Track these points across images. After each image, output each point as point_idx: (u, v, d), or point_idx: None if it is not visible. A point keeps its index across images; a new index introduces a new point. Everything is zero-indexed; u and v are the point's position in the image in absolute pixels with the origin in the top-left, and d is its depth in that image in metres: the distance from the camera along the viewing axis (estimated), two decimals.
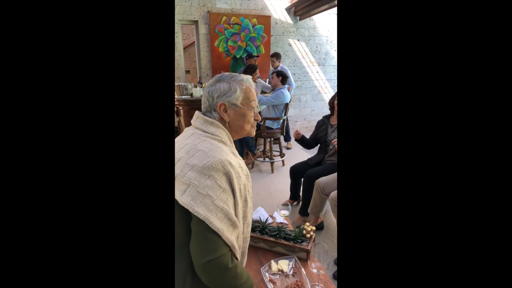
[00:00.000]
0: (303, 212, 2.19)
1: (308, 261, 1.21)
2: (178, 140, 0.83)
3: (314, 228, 1.38)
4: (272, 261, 1.25)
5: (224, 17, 4.06)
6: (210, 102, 0.82)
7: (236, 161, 0.77)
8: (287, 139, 4.18)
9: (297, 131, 2.27)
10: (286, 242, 1.31)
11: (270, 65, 3.91)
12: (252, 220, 1.50)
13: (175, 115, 3.62)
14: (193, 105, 3.36)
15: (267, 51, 4.42)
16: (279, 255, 1.32)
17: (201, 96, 3.42)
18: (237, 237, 0.73)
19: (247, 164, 3.49)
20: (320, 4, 3.85)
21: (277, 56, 3.75)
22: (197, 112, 0.86)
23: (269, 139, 3.34)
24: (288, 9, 4.48)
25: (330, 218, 2.33)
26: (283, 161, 3.51)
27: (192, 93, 3.46)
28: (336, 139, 2.08)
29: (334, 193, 1.87)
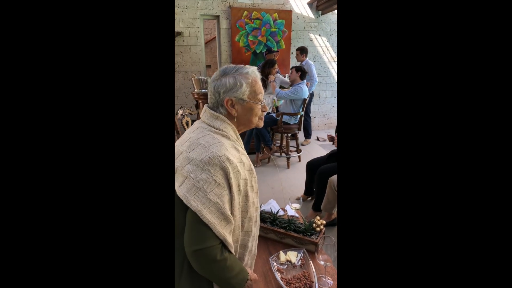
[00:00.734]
0: (316, 208, 2.20)
1: (316, 254, 1.23)
2: (185, 134, 0.85)
3: (324, 222, 1.40)
4: (281, 252, 1.28)
5: (246, 12, 4.07)
6: (216, 98, 0.81)
7: (238, 156, 0.78)
8: (307, 136, 4.16)
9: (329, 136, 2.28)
10: (295, 234, 1.33)
11: (295, 59, 3.90)
12: (264, 211, 1.53)
13: (195, 108, 3.71)
14: None
15: (287, 46, 4.40)
16: (288, 247, 1.35)
17: None
18: (231, 232, 0.75)
19: (263, 159, 3.52)
20: None
21: (302, 50, 3.73)
22: (205, 106, 0.86)
23: (286, 134, 3.35)
24: (310, 4, 4.42)
25: None
26: (299, 156, 3.51)
27: None
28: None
29: None
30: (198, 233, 0.70)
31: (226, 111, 0.82)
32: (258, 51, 4.29)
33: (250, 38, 4.20)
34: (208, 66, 4.73)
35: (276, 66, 3.32)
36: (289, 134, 3.38)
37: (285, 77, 3.68)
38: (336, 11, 4.49)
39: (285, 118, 3.22)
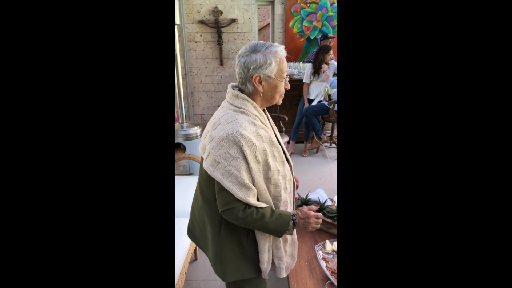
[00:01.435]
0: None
1: None
2: (213, 116, 0.93)
3: None
4: (327, 241, 1.26)
5: None
6: (245, 73, 0.85)
7: (254, 131, 0.83)
8: None
9: None
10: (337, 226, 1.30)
11: None
12: (311, 200, 1.51)
13: None
14: None
15: None
16: (334, 237, 1.32)
17: None
18: (255, 195, 0.86)
19: (311, 148, 3.45)
20: None
21: None
22: (229, 86, 0.92)
23: (337, 124, 3.22)
24: None
25: None
26: None
27: None
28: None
29: None
30: (222, 198, 0.85)
31: (253, 87, 0.87)
32: (312, 37, 4.14)
33: (305, 23, 4.07)
34: None
35: (331, 52, 3.17)
36: (337, 125, 3.24)
37: None
38: None
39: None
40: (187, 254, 1.47)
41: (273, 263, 0.97)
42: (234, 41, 4.11)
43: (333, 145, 3.35)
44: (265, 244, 0.92)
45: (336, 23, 4.10)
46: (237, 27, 4.03)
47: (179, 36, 3.94)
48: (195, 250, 1.81)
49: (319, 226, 0.95)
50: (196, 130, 2.68)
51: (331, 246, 1.23)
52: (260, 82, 0.85)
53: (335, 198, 1.59)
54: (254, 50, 0.84)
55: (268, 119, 0.96)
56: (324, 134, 3.54)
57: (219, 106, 0.96)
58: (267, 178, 0.87)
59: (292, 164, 0.99)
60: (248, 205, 0.85)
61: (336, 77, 3.12)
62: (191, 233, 1.09)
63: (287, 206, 0.94)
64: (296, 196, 1.52)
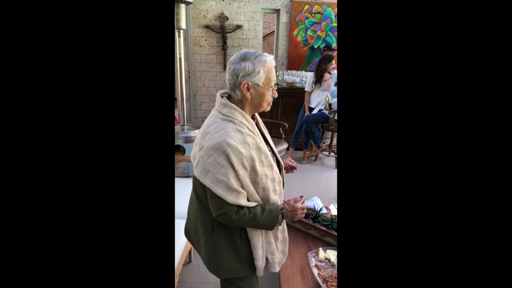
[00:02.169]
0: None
1: None
2: (204, 124, 0.97)
3: None
4: (321, 249, 1.27)
5: (307, 6, 4.00)
6: (234, 80, 0.89)
7: (240, 139, 0.86)
8: None
9: None
10: (337, 234, 1.31)
11: None
12: (307, 208, 1.53)
13: None
14: None
15: None
16: (328, 245, 1.33)
17: None
18: (245, 197, 0.90)
19: (310, 156, 3.47)
20: None
21: None
22: (218, 94, 0.96)
23: (337, 133, 3.25)
24: None
25: None
26: None
27: None
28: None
29: None
30: (215, 203, 0.89)
31: (241, 93, 0.90)
32: (316, 46, 4.19)
33: (309, 32, 4.12)
34: None
35: (334, 62, 3.21)
36: (337, 133, 3.26)
37: None
38: None
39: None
40: (181, 256, 1.47)
41: (266, 259, 1.01)
42: (239, 47, 4.16)
43: (332, 153, 3.37)
44: (258, 241, 0.97)
45: None
46: (242, 33, 4.09)
47: (184, 40, 4.00)
48: (189, 253, 1.82)
49: (303, 216, 1.00)
50: (197, 133, 2.71)
51: (324, 254, 1.25)
52: (248, 89, 0.89)
53: (331, 207, 1.60)
54: (244, 58, 0.88)
55: (258, 125, 1.02)
56: (323, 143, 3.56)
57: None
58: (255, 183, 0.91)
59: (282, 166, 1.05)
60: (241, 207, 0.89)
61: (337, 87, 3.15)
62: (188, 233, 1.14)
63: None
64: None
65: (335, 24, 4.13)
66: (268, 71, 0.89)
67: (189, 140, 2.66)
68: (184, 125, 2.77)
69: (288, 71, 4.02)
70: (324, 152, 3.43)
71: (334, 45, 4.06)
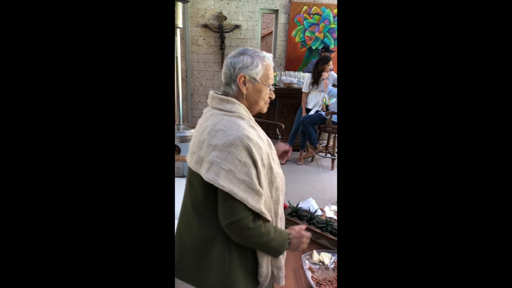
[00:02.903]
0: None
1: None
2: (200, 123, 0.88)
3: None
4: (315, 251, 1.26)
5: (305, 7, 4.00)
6: (231, 73, 0.84)
7: (255, 133, 0.80)
8: None
9: None
10: (331, 236, 1.30)
11: None
12: (301, 209, 1.52)
13: None
14: None
15: None
16: (322, 248, 1.32)
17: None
18: (264, 203, 0.80)
19: (306, 157, 3.47)
20: None
21: None
22: (211, 92, 0.88)
23: (333, 135, 3.24)
24: None
25: None
26: None
27: None
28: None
29: None
30: (228, 208, 0.76)
31: (237, 88, 0.85)
32: (314, 48, 4.19)
33: (307, 33, 4.12)
34: None
35: (331, 63, 3.21)
36: (337, 135, 3.26)
37: None
38: None
39: (335, 117, 3.11)
40: None
41: (272, 273, 0.94)
42: (237, 47, 4.14)
43: (329, 155, 3.36)
44: (264, 256, 0.88)
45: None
46: (240, 33, 4.07)
47: (182, 38, 3.98)
48: None
49: (306, 246, 0.94)
50: (193, 132, 2.69)
51: (318, 256, 1.23)
52: (244, 83, 0.83)
53: (326, 209, 1.59)
54: (243, 53, 0.85)
55: None
56: (320, 144, 3.56)
57: None
58: (271, 182, 0.84)
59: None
60: (257, 215, 0.79)
61: (335, 87, 3.15)
62: (179, 270, 0.91)
63: (282, 208, 0.94)
64: (286, 204, 1.52)
65: (334, 26, 4.13)
66: (266, 67, 0.85)
67: (184, 139, 2.64)
68: (180, 124, 2.75)
69: (286, 71, 4.01)
70: (320, 154, 3.43)
71: (332, 47, 4.06)
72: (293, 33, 4.09)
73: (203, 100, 4.28)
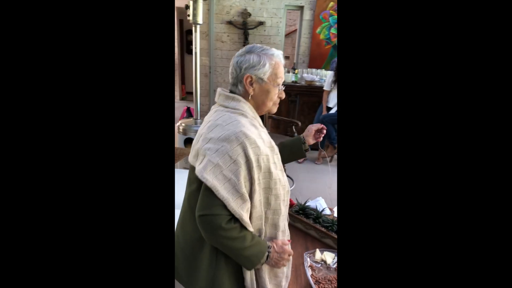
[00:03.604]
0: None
1: None
2: (205, 119, 0.86)
3: None
4: (317, 250, 1.25)
5: (332, 3, 3.91)
6: (237, 73, 0.81)
7: (255, 132, 0.76)
8: None
9: None
10: (336, 236, 1.28)
11: None
12: (309, 207, 1.50)
13: None
14: None
15: None
16: (327, 247, 1.31)
17: (291, 81, 3.45)
18: (248, 210, 0.74)
19: (325, 157, 3.41)
20: None
21: None
22: (219, 90, 0.86)
23: (336, 133, 3.16)
24: None
25: None
26: None
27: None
28: None
29: None
30: (206, 199, 0.72)
31: (243, 89, 0.81)
32: None
33: (332, 30, 4.03)
34: (287, 57, 4.75)
35: None
36: (337, 134, 3.17)
37: None
38: None
39: None
40: None
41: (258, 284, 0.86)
42: (260, 44, 4.16)
43: None
44: (247, 272, 0.80)
45: None
46: (264, 30, 4.07)
47: (206, 35, 4.06)
48: None
49: (286, 265, 0.86)
50: None
51: (321, 255, 1.22)
52: (251, 84, 0.80)
53: (335, 209, 1.56)
54: (250, 51, 0.81)
55: None
56: None
57: None
58: (268, 188, 0.78)
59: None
60: (234, 218, 0.73)
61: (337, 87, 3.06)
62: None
63: (285, 221, 0.87)
64: (294, 202, 1.52)
65: None
66: (275, 66, 0.80)
67: None
68: (197, 118, 2.82)
69: (308, 69, 3.96)
70: None
71: None
72: (318, 30, 4.01)
73: None
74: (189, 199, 0.84)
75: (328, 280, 1.10)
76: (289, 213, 1.43)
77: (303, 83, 3.59)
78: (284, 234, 0.90)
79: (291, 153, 1.09)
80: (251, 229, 0.77)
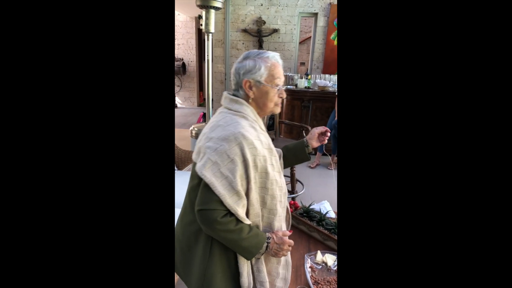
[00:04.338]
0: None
1: None
2: (210, 120, 0.91)
3: None
4: (319, 252, 1.26)
5: None
6: (237, 79, 0.86)
7: (255, 135, 0.81)
8: None
9: None
10: (337, 238, 1.28)
11: None
12: (313, 210, 1.51)
13: None
14: (296, 95, 3.47)
15: None
16: (329, 249, 1.31)
17: (304, 87, 3.46)
18: (244, 206, 0.79)
19: (337, 162, 3.37)
20: None
21: None
22: (224, 93, 0.91)
23: (337, 137, 3.11)
24: None
25: None
26: None
27: (297, 83, 3.57)
28: None
29: None
30: (204, 195, 0.77)
31: (244, 93, 0.86)
32: None
33: None
34: (302, 64, 4.77)
35: None
36: (337, 136, 3.12)
37: None
38: None
39: None
40: None
41: (254, 286, 0.88)
42: (275, 50, 4.22)
43: None
44: (244, 266, 0.84)
45: None
46: (278, 37, 4.14)
47: (222, 44, 4.18)
48: None
49: (287, 254, 0.89)
50: None
51: (322, 257, 1.23)
52: (250, 88, 0.85)
53: None
54: (246, 57, 0.86)
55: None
56: None
57: None
58: (264, 188, 0.82)
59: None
60: (230, 213, 0.78)
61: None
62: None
63: (282, 221, 0.90)
64: (299, 204, 1.53)
65: None
66: (270, 67, 0.84)
67: None
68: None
69: (321, 74, 3.97)
70: None
71: None
72: (332, 36, 4.02)
73: None
74: (189, 194, 0.88)
75: (328, 282, 1.11)
76: (293, 215, 1.46)
77: (316, 88, 3.61)
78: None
79: (294, 156, 1.11)
80: (248, 222, 0.81)
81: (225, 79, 4.32)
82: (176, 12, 5.76)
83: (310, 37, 7.12)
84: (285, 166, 1.08)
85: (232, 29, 4.14)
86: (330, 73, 4.05)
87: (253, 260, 0.86)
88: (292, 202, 1.58)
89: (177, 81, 6.35)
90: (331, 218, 1.49)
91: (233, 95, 0.90)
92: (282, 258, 0.92)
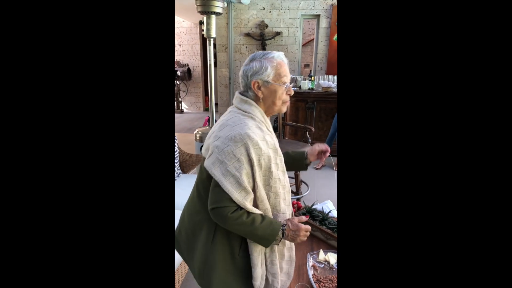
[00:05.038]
0: None
1: None
2: (220, 118, 0.96)
3: None
4: (321, 250, 1.26)
5: None
6: (245, 81, 0.90)
7: (261, 135, 0.84)
8: None
9: None
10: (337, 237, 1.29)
11: None
12: (316, 210, 1.52)
13: None
14: (299, 97, 3.48)
15: None
16: (332, 248, 1.32)
17: (308, 88, 3.46)
18: (251, 201, 0.84)
19: None
20: None
21: None
22: (236, 92, 0.95)
23: (337, 137, 3.09)
24: None
25: None
26: None
27: (300, 85, 3.58)
28: None
29: None
30: (216, 195, 0.83)
31: (253, 93, 0.90)
32: None
33: None
34: (307, 66, 4.79)
35: None
36: (337, 136, 3.10)
37: None
38: None
39: None
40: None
41: (266, 279, 0.92)
42: None
43: None
44: (258, 258, 0.89)
45: None
46: (281, 40, 4.17)
47: (226, 48, 4.23)
48: None
49: (305, 238, 0.92)
50: None
51: (324, 256, 1.23)
52: (259, 88, 0.88)
53: None
54: (253, 59, 0.90)
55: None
56: None
57: None
58: (268, 185, 0.87)
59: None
60: (240, 207, 0.83)
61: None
62: (177, 241, 1.04)
63: (286, 218, 0.93)
64: (302, 204, 1.54)
65: None
66: (277, 67, 0.88)
67: None
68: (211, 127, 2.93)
69: (325, 75, 3.97)
70: None
71: None
72: (335, 37, 4.03)
73: None
74: (197, 185, 0.95)
75: (330, 280, 1.11)
76: (296, 215, 1.46)
77: (319, 89, 3.61)
78: None
79: (292, 164, 1.16)
80: (259, 212, 0.86)
81: (230, 83, 4.36)
82: (181, 19, 5.86)
83: (313, 39, 7.13)
84: None
85: (235, 33, 4.20)
86: (334, 74, 4.05)
87: (267, 252, 0.90)
88: (295, 202, 1.59)
89: (183, 87, 6.44)
90: (333, 217, 1.49)
91: (243, 95, 0.94)
92: (286, 254, 0.96)
